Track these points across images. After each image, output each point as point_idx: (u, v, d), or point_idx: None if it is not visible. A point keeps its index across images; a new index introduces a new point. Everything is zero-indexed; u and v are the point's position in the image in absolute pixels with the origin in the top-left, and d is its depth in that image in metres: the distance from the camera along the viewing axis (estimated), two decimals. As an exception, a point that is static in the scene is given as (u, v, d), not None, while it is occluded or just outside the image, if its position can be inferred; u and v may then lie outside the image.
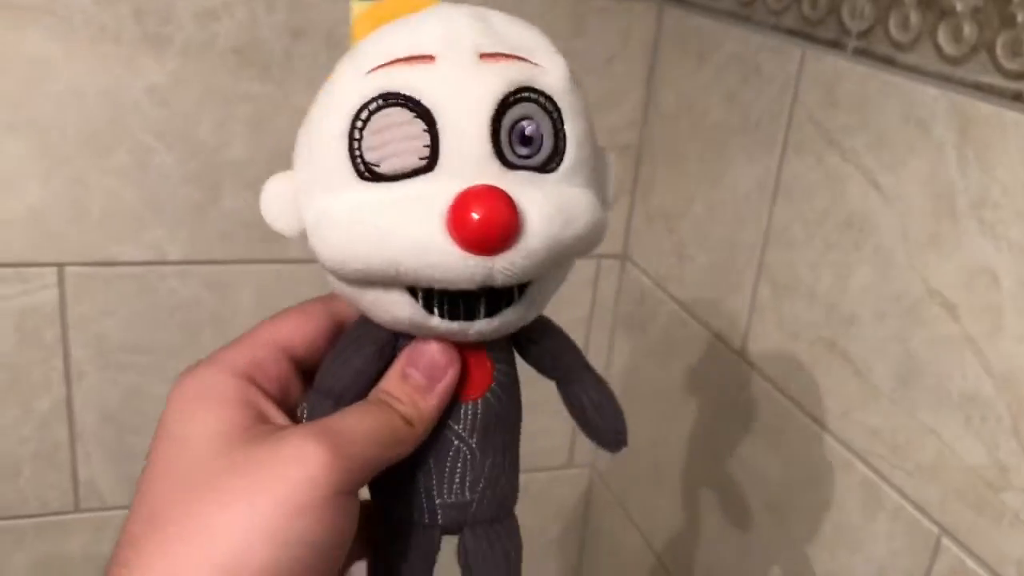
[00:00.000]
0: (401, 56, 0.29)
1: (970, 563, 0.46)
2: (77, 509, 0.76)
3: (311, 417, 0.32)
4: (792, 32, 0.59)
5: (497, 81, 0.29)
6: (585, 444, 0.71)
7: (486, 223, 0.27)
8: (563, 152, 0.30)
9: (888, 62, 0.51)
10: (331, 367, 0.33)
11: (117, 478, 0.76)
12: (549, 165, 0.30)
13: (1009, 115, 0.43)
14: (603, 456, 0.89)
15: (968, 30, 0.45)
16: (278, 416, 0.31)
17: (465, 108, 0.29)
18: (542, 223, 0.29)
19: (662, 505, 0.78)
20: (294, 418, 0.32)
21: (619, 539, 0.86)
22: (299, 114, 0.32)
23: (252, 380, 0.31)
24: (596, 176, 0.32)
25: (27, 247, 0.67)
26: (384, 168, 0.29)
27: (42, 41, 0.63)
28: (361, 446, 0.29)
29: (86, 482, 0.75)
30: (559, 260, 0.30)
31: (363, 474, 0.30)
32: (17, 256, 0.67)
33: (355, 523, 0.30)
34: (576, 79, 0.31)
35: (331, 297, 0.34)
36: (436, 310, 0.30)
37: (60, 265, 0.68)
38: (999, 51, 0.44)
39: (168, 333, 0.73)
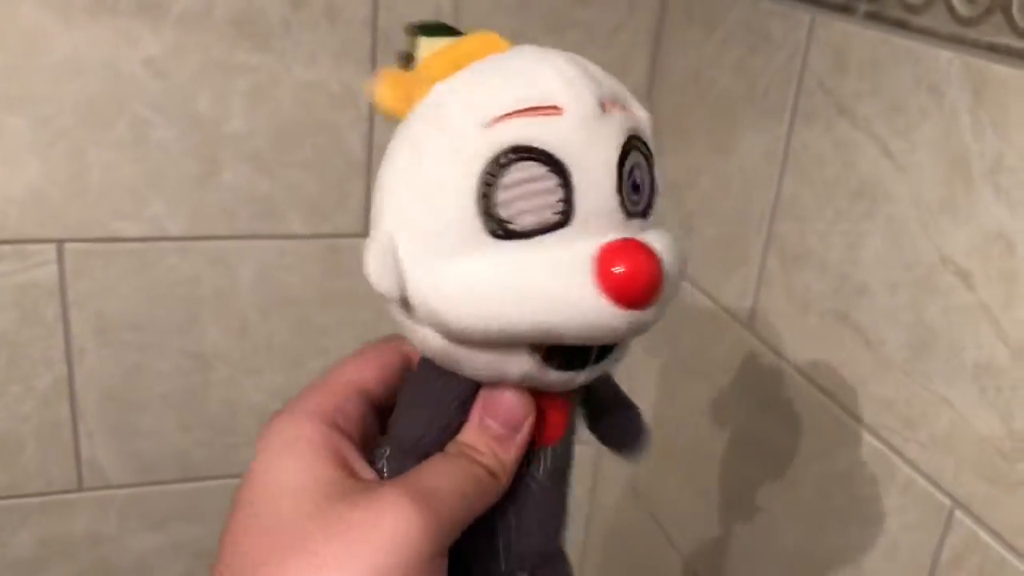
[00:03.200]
0: (526, 107, 0.28)
1: (983, 535, 0.45)
2: (81, 488, 0.75)
3: (393, 473, 0.31)
4: (801, -3, 0.57)
5: (619, 132, 0.29)
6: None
7: (642, 278, 0.27)
8: (653, 196, 0.30)
9: (900, 25, 0.49)
10: (411, 419, 0.32)
11: (120, 456, 0.75)
12: (648, 211, 0.30)
13: (1026, 77, 0.42)
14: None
15: (984, -10, 0.44)
16: (364, 468, 0.31)
17: (598, 161, 0.28)
18: (672, 268, 0.29)
19: (669, 480, 0.77)
20: (371, 460, 0.32)
21: (625, 515, 0.86)
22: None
23: (337, 426, 0.31)
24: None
25: (26, 223, 0.66)
26: (518, 225, 0.27)
27: (36, 12, 0.62)
28: (451, 504, 0.29)
29: (88, 461, 0.74)
30: None
31: (454, 533, 0.29)
32: (15, 233, 0.67)
33: None
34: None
35: (397, 338, 0.34)
36: (554, 363, 0.30)
37: (59, 241, 0.68)
38: (1015, 11, 0.43)
39: (169, 310, 0.72)
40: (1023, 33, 0.42)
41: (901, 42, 0.49)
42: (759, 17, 0.62)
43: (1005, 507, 0.44)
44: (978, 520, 0.46)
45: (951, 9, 0.46)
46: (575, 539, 0.95)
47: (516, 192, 0.27)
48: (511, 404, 0.31)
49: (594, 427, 0.37)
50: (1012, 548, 0.44)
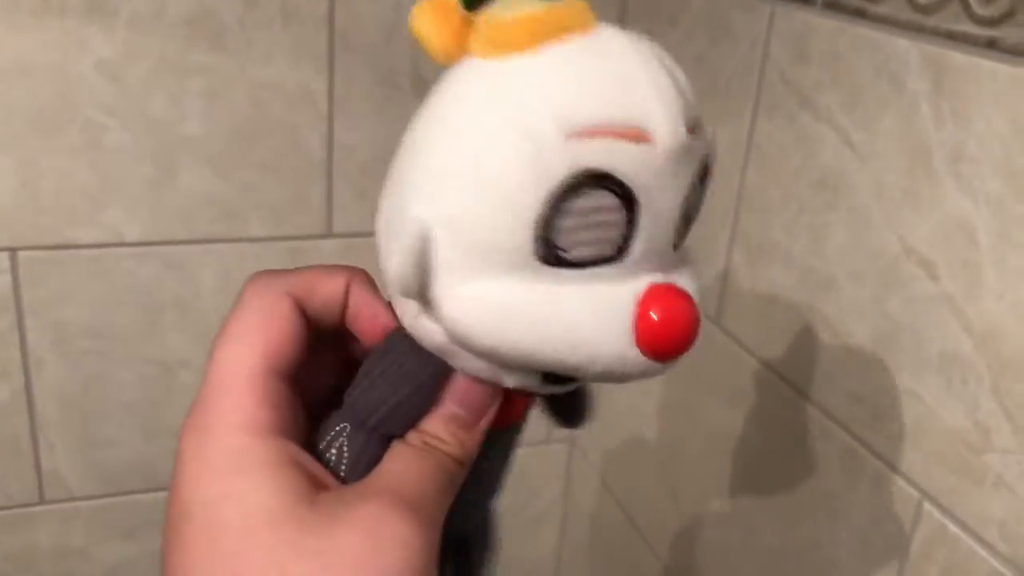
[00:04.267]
0: (616, 126, 0.24)
1: (952, 527, 0.45)
2: (43, 501, 0.74)
3: (355, 454, 0.29)
4: (761, -12, 0.57)
5: (695, 164, 0.26)
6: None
7: (680, 335, 0.26)
8: (694, 220, 0.28)
9: (859, 14, 0.49)
10: (380, 394, 0.29)
11: (83, 467, 0.74)
12: (680, 242, 0.28)
13: (984, 64, 0.42)
14: (582, 431, 0.88)
15: (941, -23, 0.44)
16: (324, 473, 0.28)
17: (670, 201, 0.26)
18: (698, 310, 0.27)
19: (641, 478, 0.76)
20: (323, 438, 0.29)
21: (600, 514, 0.85)
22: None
23: (275, 431, 0.27)
24: None
25: (-23, 232, 0.65)
26: (573, 255, 0.25)
27: (-18, 15, 0.60)
28: (437, 504, 0.27)
29: (50, 473, 0.73)
30: None
31: (439, 531, 0.27)
32: (-33, 242, 0.65)
33: None
34: None
35: (357, 271, 0.31)
36: (551, 379, 0.29)
37: (12, 250, 0.66)
38: (973, -2, 0.42)
39: (128, 317, 0.70)
40: (980, 20, 0.42)
41: (860, 31, 0.49)
42: (720, 9, 0.61)
43: (973, 499, 0.44)
44: (946, 512, 0.45)
45: (909, -3, 0.46)
46: (550, 540, 0.94)
47: (580, 221, 0.25)
48: (480, 393, 0.29)
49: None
50: (980, 539, 0.43)
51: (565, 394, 0.36)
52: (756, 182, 0.58)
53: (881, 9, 0.47)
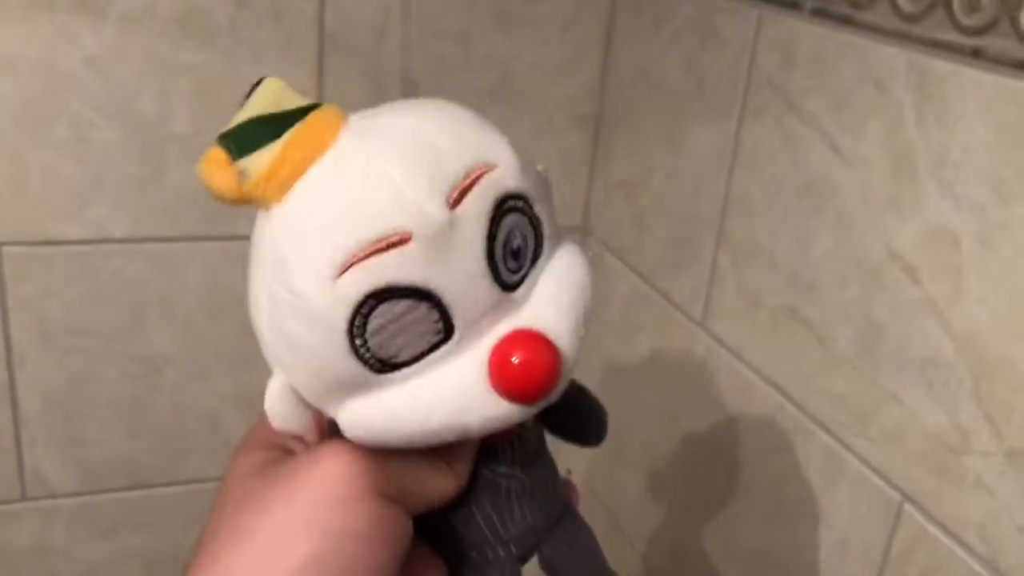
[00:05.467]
0: (369, 246, 0.25)
1: (931, 529, 0.45)
2: (24, 498, 0.73)
3: None
4: (749, -6, 0.57)
5: (480, 223, 0.27)
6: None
7: (538, 376, 0.27)
8: (543, 236, 0.29)
9: (846, 21, 0.50)
10: None
11: (65, 464, 0.73)
12: (537, 257, 0.29)
13: (968, 72, 0.42)
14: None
15: (926, -14, 0.44)
16: None
17: (464, 272, 0.27)
18: (572, 340, 0.28)
19: (624, 479, 0.77)
20: None
21: (585, 516, 0.85)
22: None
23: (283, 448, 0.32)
24: (555, 218, 0.31)
25: (-38, 227, 0.65)
26: (403, 357, 0.27)
27: (-30, 10, 0.60)
28: (396, 463, 0.30)
29: (32, 469, 0.72)
30: None
31: (399, 488, 0.29)
32: (-49, 236, 0.65)
33: (404, 539, 0.30)
34: (523, 155, 0.29)
35: None
36: None
37: (-2, 245, 0.66)
38: (956, 7, 0.43)
39: (114, 314, 0.70)
40: (965, 29, 0.43)
41: (847, 38, 0.49)
42: (708, 13, 0.62)
43: (953, 500, 0.44)
44: (926, 514, 0.46)
45: (895, 5, 0.46)
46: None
47: (388, 333, 0.26)
48: None
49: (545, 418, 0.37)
50: (959, 541, 0.44)
51: (576, 417, 0.37)
52: (742, 186, 0.59)
53: (868, 17, 0.48)
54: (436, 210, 0.26)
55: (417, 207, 0.26)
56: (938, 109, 0.44)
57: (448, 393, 0.27)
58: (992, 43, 0.41)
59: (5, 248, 0.66)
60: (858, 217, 0.49)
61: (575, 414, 0.38)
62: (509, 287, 0.28)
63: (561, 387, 0.28)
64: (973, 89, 0.42)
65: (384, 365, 0.27)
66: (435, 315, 0.27)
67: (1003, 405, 0.41)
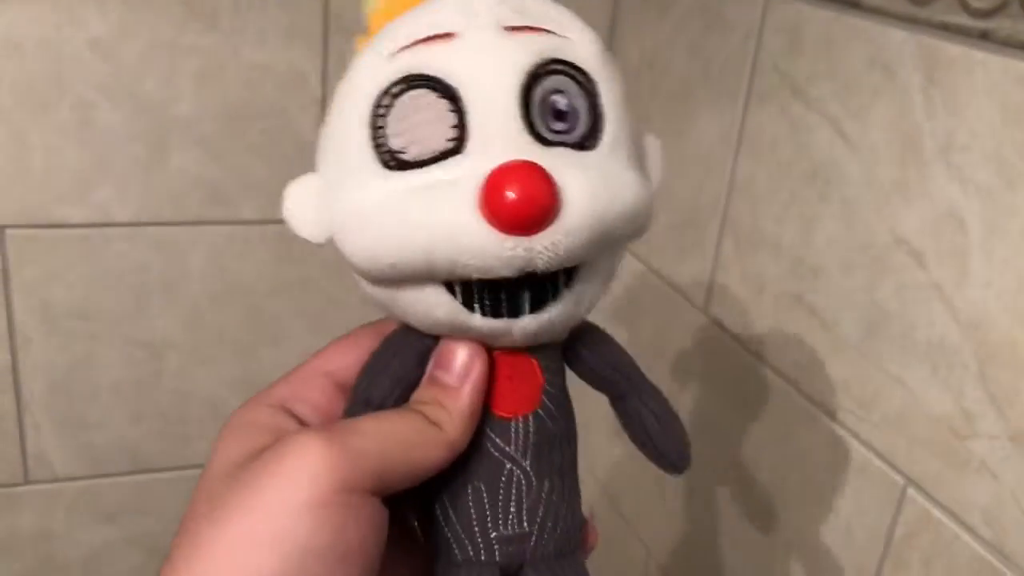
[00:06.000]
0: (421, 37, 0.28)
1: (936, 512, 0.45)
2: (27, 481, 0.73)
3: None
4: (756, -22, 0.57)
5: (522, 52, 0.27)
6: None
7: (522, 199, 0.25)
8: (602, 129, 0.28)
9: (853, 5, 0.49)
10: (368, 373, 0.31)
11: (67, 448, 0.73)
12: (588, 142, 0.28)
13: (976, 55, 0.42)
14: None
15: (935, -32, 0.44)
16: None
17: (490, 82, 0.27)
18: (583, 198, 0.26)
19: (627, 468, 0.77)
20: None
21: (587, 502, 0.85)
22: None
23: (287, 409, 0.31)
24: (639, 157, 0.30)
25: (-35, 209, 0.65)
26: (411, 154, 0.27)
27: (-26, -10, 0.60)
28: (375, 442, 0.27)
29: (34, 453, 0.72)
30: (605, 242, 0.28)
31: (377, 473, 0.27)
32: (-45, 218, 0.65)
33: (378, 532, 0.27)
34: (611, 56, 0.30)
35: (381, 322, 0.33)
36: (477, 307, 0.28)
37: (1, 228, 0.66)
38: (966, -10, 0.43)
39: (117, 298, 0.70)
40: (974, 12, 0.42)
41: (854, 21, 0.49)
42: (714, -1, 0.62)
43: (956, 484, 0.44)
44: (930, 498, 0.46)
45: (903, -12, 0.46)
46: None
47: (409, 122, 0.27)
48: (456, 352, 0.30)
49: (619, 417, 0.35)
50: (963, 524, 0.44)
51: (632, 408, 0.35)
52: (747, 171, 0.59)
53: (874, 0, 0.48)
54: (487, 22, 0.28)
55: (470, 15, 0.28)
56: (946, 93, 0.44)
57: (433, 198, 0.27)
58: (1001, 25, 0.41)
59: (8, 231, 0.66)
60: (864, 202, 0.49)
61: (639, 413, 0.35)
62: (541, 139, 0.27)
63: (560, 237, 0.26)
64: (982, 72, 0.42)
65: (391, 157, 0.27)
66: (453, 119, 0.27)
67: (1008, 389, 0.41)
